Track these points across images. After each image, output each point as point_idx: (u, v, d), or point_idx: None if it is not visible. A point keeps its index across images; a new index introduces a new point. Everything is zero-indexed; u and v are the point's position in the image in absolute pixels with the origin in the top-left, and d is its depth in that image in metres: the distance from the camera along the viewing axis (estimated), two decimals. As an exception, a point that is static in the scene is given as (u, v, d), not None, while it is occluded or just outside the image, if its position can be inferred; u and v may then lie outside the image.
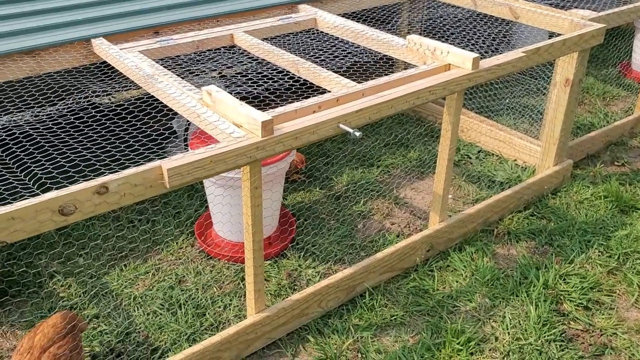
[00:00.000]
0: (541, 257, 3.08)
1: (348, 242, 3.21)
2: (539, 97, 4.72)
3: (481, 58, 2.73)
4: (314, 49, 2.90)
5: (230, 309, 2.74)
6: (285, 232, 3.19)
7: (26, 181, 2.08)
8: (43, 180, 2.18)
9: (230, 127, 2.15)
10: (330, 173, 3.81)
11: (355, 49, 2.92)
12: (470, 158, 4.05)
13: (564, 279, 2.91)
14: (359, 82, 2.56)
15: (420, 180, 3.82)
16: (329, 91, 2.57)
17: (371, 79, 2.58)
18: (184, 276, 2.93)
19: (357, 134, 2.21)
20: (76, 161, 2.31)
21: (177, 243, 3.15)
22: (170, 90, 2.44)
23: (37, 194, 1.74)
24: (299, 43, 3.01)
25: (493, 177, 3.81)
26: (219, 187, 2.88)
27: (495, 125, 4.13)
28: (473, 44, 3.57)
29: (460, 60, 2.67)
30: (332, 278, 2.71)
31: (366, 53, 2.89)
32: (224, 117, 2.21)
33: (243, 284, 2.89)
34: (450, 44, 2.80)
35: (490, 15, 3.85)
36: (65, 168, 2.25)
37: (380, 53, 2.94)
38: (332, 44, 3.03)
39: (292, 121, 2.22)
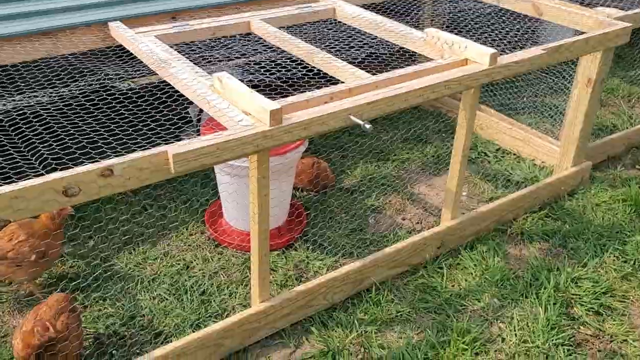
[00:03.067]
0: (553, 259, 3.03)
1: (358, 236, 3.18)
2: (561, 97, 4.62)
3: (501, 54, 2.68)
4: (330, 39, 2.87)
5: (235, 297, 2.73)
6: (295, 224, 3.18)
7: (33, 161, 2.09)
8: (49, 160, 2.19)
9: (239, 115, 2.13)
10: (345, 166, 3.78)
11: (373, 41, 2.88)
12: (488, 156, 3.98)
13: (576, 283, 2.86)
14: (374, 75, 2.53)
15: (436, 176, 3.77)
16: (343, 82, 2.54)
17: (387, 72, 2.54)
18: (191, 262, 2.93)
19: (368, 126, 2.18)
20: (83, 143, 2.32)
21: (187, 229, 3.15)
22: (182, 75, 2.43)
23: (42, 175, 1.74)
24: (315, 32, 2.97)
25: (510, 176, 3.75)
26: (228, 176, 2.88)
27: (515, 124, 4.06)
28: (494, 40, 3.50)
29: (477, 56, 2.62)
30: (339, 271, 2.69)
31: (383, 45, 2.84)
32: (233, 105, 2.20)
33: (250, 273, 2.88)
34: (472, 39, 2.75)
35: (514, 12, 3.78)
36: (72, 149, 2.25)
37: (397, 45, 2.90)
38: (350, 35, 3.00)
39: (302, 111, 2.19)
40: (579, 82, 3.37)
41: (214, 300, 2.70)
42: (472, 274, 2.94)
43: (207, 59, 2.86)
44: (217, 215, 3.20)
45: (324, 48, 2.76)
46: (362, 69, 2.57)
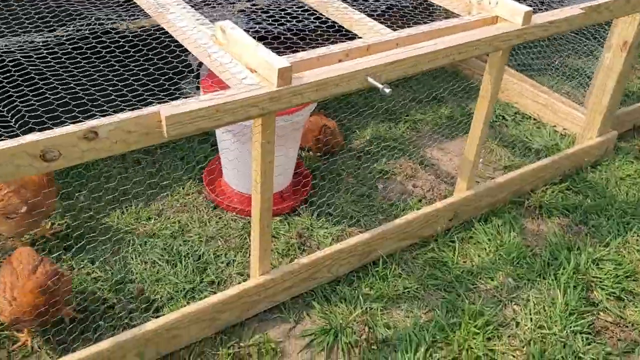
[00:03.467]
0: (574, 237, 2.84)
1: (366, 203, 2.98)
2: (588, 59, 4.35)
3: (534, 12, 2.41)
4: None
5: (233, 266, 2.56)
6: (299, 188, 2.97)
7: (8, 119, 1.86)
8: (26, 119, 1.96)
9: (244, 71, 1.90)
10: (354, 126, 3.55)
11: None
12: (506, 120, 3.75)
13: (597, 264, 2.67)
14: (394, 30, 2.27)
15: (450, 140, 3.55)
16: (360, 37, 2.29)
17: (408, 27, 2.29)
18: (187, 225, 2.74)
19: (387, 90, 1.95)
20: (67, 99, 2.08)
21: (183, 189, 2.95)
22: (182, 23, 2.18)
23: (17, 135, 1.53)
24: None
25: (529, 143, 3.52)
26: (230, 133, 2.65)
27: (537, 87, 3.80)
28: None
29: (509, 14, 2.35)
30: (346, 243, 2.50)
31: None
32: (237, 59, 1.95)
33: (250, 239, 2.70)
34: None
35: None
36: (55, 107, 2.02)
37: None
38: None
39: (313, 70, 1.95)
40: (612, 45, 3.10)
41: (210, 268, 2.53)
42: (485, 249, 2.75)
43: (209, 3, 2.59)
44: (216, 174, 3.00)
45: (338, -3, 2.48)
46: (382, 23, 2.32)
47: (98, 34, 2.16)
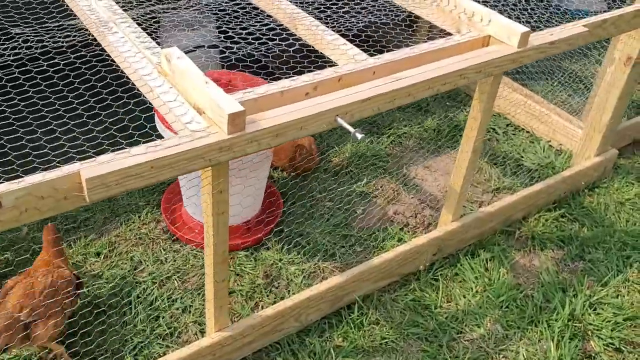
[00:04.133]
0: (570, 274, 2.58)
1: (343, 232, 2.71)
2: (585, 63, 4.07)
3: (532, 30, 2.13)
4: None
5: (190, 312, 2.28)
6: (269, 216, 2.69)
7: None
8: None
9: (189, 112, 1.60)
10: (332, 141, 3.26)
11: (374, 4, 2.29)
12: (497, 133, 3.47)
13: (594, 308, 2.43)
14: (372, 52, 1.98)
15: (436, 156, 3.27)
16: (332, 62, 2.00)
17: (389, 48, 2.00)
18: (141, 263, 2.46)
19: (359, 136, 1.66)
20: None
21: (139, 217, 2.66)
22: (124, 47, 1.87)
23: None
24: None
25: (521, 160, 3.25)
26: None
27: (531, 97, 3.52)
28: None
29: (504, 34, 2.06)
30: (316, 288, 2.24)
31: (387, 10, 2.26)
32: (183, 97, 1.66)
33: (211, 278, 2.43)
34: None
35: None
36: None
37: (404, 11, 2.32)
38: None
39: (275, 110, 1.66)
40: (615, 60, 2.82)
41: (164, 316, 2.25)
42: (472, 288, 2.50)
43: (159, 20, 2.27)
44: (176, 201, 2.70)
45: (312, 12, 2.18)
46: (359, 44, 2.02)
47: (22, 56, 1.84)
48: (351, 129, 1.68)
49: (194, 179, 2.41)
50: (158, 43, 2.95)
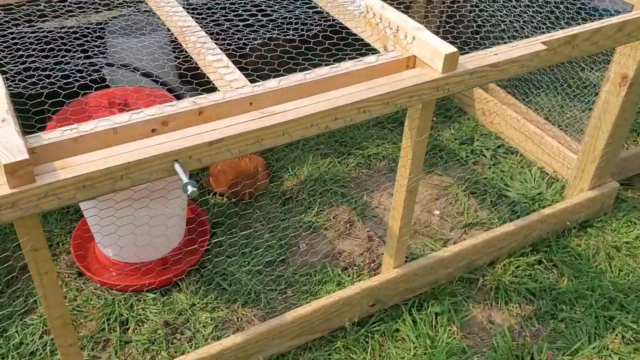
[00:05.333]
0: (532, 339, 2.15)
1: (275, 271, 2.38)
2: (600, 70, 3.54)
3: (463, 52, 1.72)
4: (230, 5, 1.93)
5: (73, 365, 2.01)
6: (191, 250, 2.38)
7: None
8: None
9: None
10: (287, 161, 2.91)
11: (287, 14, 1.92)
12: (484, 156, 3.03)
13: (554, 386, 2.00)
14: (264, 74, 1.63)
15: (406, 181, 2.86)
16: (212, 86, 1.66)
17: (283, 73, 1.64)
18: (35, 302, 2.20)
19: (190, 189, 1.33)
20: None
21: (50, 246, 2.40)
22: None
23: None
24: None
25: (505, 189, 2.81)
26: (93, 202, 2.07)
27: (526, 113, 3.06)
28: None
29: (428, 55, 1.67)
30: (209, 349, 1.92)
31: (298, 23, 1.89)
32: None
33: (109, 322, 2.15)
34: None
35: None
36: None
37: (319, 25, 1.94)
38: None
39: (93, 153, 1.34)
40: (609, 78, 2.35)
41: (41, 370, 1.99)
42: (410, 350, 2.11)
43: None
44: (86, 235, 2.42)
45: (208, 23, 1.84)
46: (254, 61, 1.68)
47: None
48: (185, 177, 1.34)
49: (102, 217, 2.12)
50: (106, 52, 2.71)
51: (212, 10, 1.86)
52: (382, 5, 1.84)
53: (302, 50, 1.81)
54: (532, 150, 2.98)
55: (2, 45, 1.81)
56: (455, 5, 3.27)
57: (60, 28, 2.11)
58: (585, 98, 3.30)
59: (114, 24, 2.73)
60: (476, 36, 3.16)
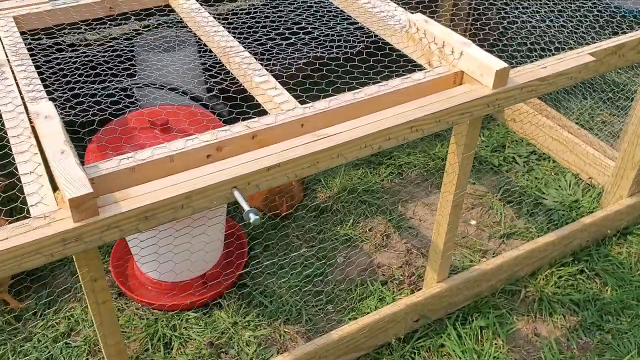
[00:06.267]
0: (580, 352, 2.13)
1: (315, 286, 2.36)
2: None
3: (514, 64, 1.70)
4: (270, 24, 1.92)
5: (120, 388, 2.00)
6: (230, 268, 2.37)
7: None
8: None
9: (43, 189, 1.30)
10: (320, 173, 2.90)
11: (330, 31, 1.90)
12: (517, 163, 3.00)
13: (606, 400, 1.98)
14: (314, 93, 1.62)
15: (439, 190, 2.84)
16: (262, 110, 1.65)
17: (336, 88, 1.63)
18: (78, 323, 2.20)
19: (253, 217, 1.32)
20: None
21: (88, 267, 2.40)
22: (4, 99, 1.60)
23: None
24: (256, 11, 2.02)
25: (541, 197, 2.78)
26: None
27: (558, 119, 3.03)
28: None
29: (477, 70, 1.65)
30: (257, 368, 1.91)
31: (341, 40, 1.87)
32: (44, 165, 1.36)
33: (152, 343, 2.14)
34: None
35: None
36: None
37: (362, 41, 1.92)
38: (309, 15, 2.02)
39: (151, 183, 1.34)
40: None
41: (88, 393, 1.99)
42: (458, 365, 2.09)
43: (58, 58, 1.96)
44: (124, 255, 2.42)
45: (251, 43, 1.83)
46: (293, 83, 1.66)
47: None
48: (246, 206, 1.33)
49: (142, 239, 2.11)
50: (133, 65, 2.70)
51: (254, 30, 1.84)
52: (426, 20, 1.83)
53: (348, 68, 1.79)
54: (566, 156, 2.95)
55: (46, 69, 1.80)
56: (481, 8, 3.24)
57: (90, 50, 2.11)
58: (616, 102, 3.26)
59: (145, 40, 2.73)
60: (502, 38, 3.14)
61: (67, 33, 2.03)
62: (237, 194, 1.36)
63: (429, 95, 1.63)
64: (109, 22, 2.12)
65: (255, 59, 1.77)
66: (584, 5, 2.51)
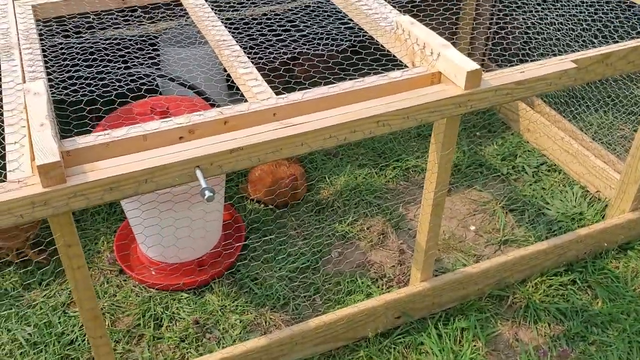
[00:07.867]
0: (557, 359, 2.12)
1: (306, 278, 2.43)
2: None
3: (487, 69, 1.74)
4: (266, 21, 2.01)
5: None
6: (226, 253, 2.47)
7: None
8: None
9: (23, 157, 1.43)
10: (325, 170, 2.97)
11: (318, 29, 1.98)
12: (526, 173, 2.99)
13: (578, 409, 1.97)
14: (291, 87, 1.70)
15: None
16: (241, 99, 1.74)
17: (310, 85, 1.71)
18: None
19: (207, 194, 1.40)
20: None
21: (96, 244, 2.54)
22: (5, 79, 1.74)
23: None
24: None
25: (544, 207, 2.77)
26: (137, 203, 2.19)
27: (571, 131, 3.00)
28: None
29: (451, 71, 1.69)
30: (234, 349, 1.99)
31: (329, 38, 1.95)
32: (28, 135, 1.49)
33: (144, 319, 2.26)
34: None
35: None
36: None
37: (349, 40, 1.99)
38: (304, 13, 2.11)
39: (119, 158, 1.44)
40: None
41: (80, 358, 2.11)
42: (434, 364, 2.12)
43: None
44: (129, 234, 2.55)
45: (243, 37, 1.93)
46: (273, 77, 1.75)
47: None
48: (203, 182, 1.42)
49: (144, 218, 2.24)
50: (159, 61, 2.85)
51: (249, 25, 1.94)
52: (411, 22, 1.88)
53: (330, 65, 1.86)
54: (575, 168, 2.92)
55: (51, 54, 1.95)
56: (501, 13, 3.25)
57: (113, 39, 2.25)
58: (638, 117, 3.21)
59: (167, 34, 2.87)
60: (525, 47, 3.13)
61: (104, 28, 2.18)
62: (198, 173, 1.45)
63: (401, 93, 1.68)
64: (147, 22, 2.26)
65: (245, 52, 1.86)
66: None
